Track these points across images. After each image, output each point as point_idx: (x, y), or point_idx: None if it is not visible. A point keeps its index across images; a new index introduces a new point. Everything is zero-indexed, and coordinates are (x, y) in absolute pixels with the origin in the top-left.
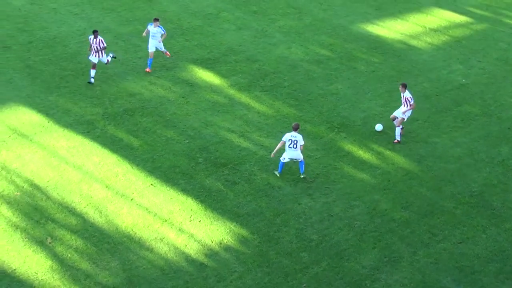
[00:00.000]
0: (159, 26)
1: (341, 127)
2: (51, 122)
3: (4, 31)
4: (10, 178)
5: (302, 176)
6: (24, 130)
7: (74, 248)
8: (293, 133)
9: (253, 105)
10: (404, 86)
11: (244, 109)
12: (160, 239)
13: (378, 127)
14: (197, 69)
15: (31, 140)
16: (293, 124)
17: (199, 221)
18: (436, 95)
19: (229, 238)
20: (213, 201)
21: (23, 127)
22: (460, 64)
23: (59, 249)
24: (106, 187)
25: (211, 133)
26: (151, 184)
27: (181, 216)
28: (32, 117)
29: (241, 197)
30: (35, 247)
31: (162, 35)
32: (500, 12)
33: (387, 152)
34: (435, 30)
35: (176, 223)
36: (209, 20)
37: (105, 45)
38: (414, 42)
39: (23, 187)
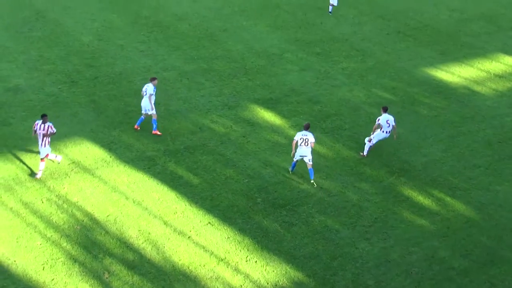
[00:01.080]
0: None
1: (401, 171)
2: (113, 157)
3: (72, 66)
4: (71, 211)
5: (312, 181)
6: (87, 164)
7: (130, 284)
8: (304, 132)
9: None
10: (384, 109)
11: None
12: (216, 278)
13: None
14: (258, 109)
15: (93, 174)
16: (304, 123)
17: (255, 262)
18: (499, 142)
19: (284, 280)
20: (270, 242)
21: (86, 161)
22: None
23: (116, 284)
24: (164, 223)
25: (270, 173)
26: (209, 223)
27: (237, 256)
28: (95, 152)
29: (298, 239)
30: (92, 281)
31: (151, 95)
32: None
33: (448, 199)
34: (500, 76)
35: (232, 263)
36: (272, 60)
37: (54, 130)
38: (478, 88)
39: (83, 220)
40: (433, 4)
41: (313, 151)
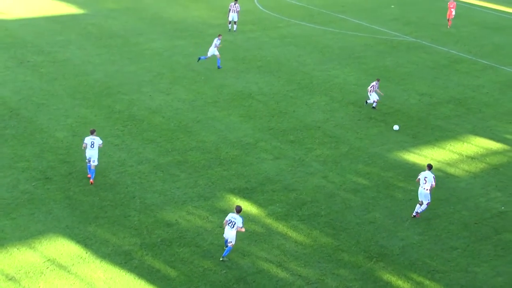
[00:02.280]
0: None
1: (379, 256)
2: (89, 252)
3: (46, 162)
4: None
5: (221, 259)
6: (62, 261)
7: None
8: (234, 214)
9: (290, 234)
10: (428, 167)
11: (282, 238)
12: None
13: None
14: (234, 199)
15: (69, 271)
16: (236, 206)
17: None
18: (475, 223)
19: None
20: None
21: (61, 258)
22: (498, 191)
23: None
24: None
25: (249, 263)
26: None
27: None
28: (71, 248)
29: None
30: None
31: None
32: None
33: (427, 282)
34: (472, 158)
35: None
36: (246, 150)
37: None
38: (451, 170)
39: None
40: (403, 89)
41: (292, 240)
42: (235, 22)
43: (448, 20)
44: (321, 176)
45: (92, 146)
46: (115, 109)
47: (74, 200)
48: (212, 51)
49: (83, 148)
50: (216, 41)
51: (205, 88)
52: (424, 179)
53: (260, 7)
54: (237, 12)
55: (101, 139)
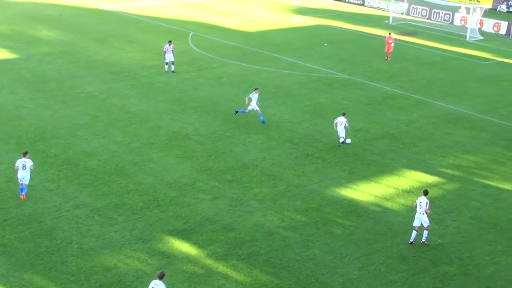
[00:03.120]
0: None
1: None
2: None
3: None
4: None
5: None
6: None
7: None
8: (157, 281)
9: (230, 274)
10: (424, 193)
11: (222, 279)
12: None
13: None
14: (173, 240)
15: None
16: (159, 272)
17: None
18: (413, 256)
19: None
20: None
21: None
22: (435, 224)
23: None
24: None
25: None
26: None
27: None
28: None
29: None
30: None
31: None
32: (471, 171)
33: None
34: (408, 192)
35: None
36: (184, 190)
37: None
38: (388, 204)
39: None
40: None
41: (232, 280)
42: (172, 63)
43: (386, 53)
44: (260, 214)
45: (24, 168)
46: (50, 153)
47: (9, 247)
48: (253, 105)
49: (15, 169)
50: (254, 95)
51: (141, 130)
52: (419, 204)
53: (195, 48)
54: (172, 52)
55: (32, 161)
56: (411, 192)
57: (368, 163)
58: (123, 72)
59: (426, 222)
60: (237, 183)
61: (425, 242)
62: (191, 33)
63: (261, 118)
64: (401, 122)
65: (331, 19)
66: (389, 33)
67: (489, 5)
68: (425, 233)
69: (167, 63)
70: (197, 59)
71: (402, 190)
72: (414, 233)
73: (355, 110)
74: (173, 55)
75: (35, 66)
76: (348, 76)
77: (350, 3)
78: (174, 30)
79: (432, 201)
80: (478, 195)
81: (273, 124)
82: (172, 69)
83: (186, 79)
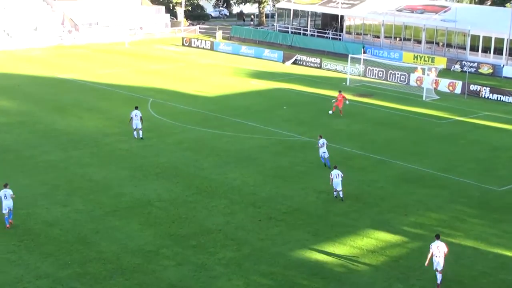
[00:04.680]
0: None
1: None
2: None
3: None
4: None
5: None
6: None
7: None
8: None
9: None
10: (437, 237)
11: None
12: None
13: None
14: None
15: None
16: None
17: None
18: None
19: None
20: None
21: None
22: (400, 283)
23: None
24: None
25: None
26: None
27: None
28: None
29: None
30: None
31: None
32: (433, 229)
33: None
34: (372, 252)
35: None
36: (148, 257)
37: None
38: (353, 265)
39: None
40: (301, 188)
41: None
42: (140, 129)
43: (339, 110)
44: (225, 279)
45: (6, 197)
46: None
47: None
48: (323, 150)
49: None
50: (320, 143)
51: (103, 197)
52: (437, 248)
53: (154, 114)
54: (140, 118)
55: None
56: (376, 252)
57: (332, 224)
58: (83, 140)
59: (440, 266)
60: (201, 248)
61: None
62: (151, 100)
63: (328, 163)
64: (363, 183)
65: (289, 82)
66: (339, 91)
67: (443, 65)
68: (439, 276)
69: (135, 129)
70: (158, 125)
71: (366, 250)
72: (439, 276)
73: (316, 172)
74: (141, 122)
75: None
76: (308, 139)
77: (307, 66)
78: (133, 97)
79: (396, 261)
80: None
81: (235, 188)
82: (141, 135)
83: (147, 146)
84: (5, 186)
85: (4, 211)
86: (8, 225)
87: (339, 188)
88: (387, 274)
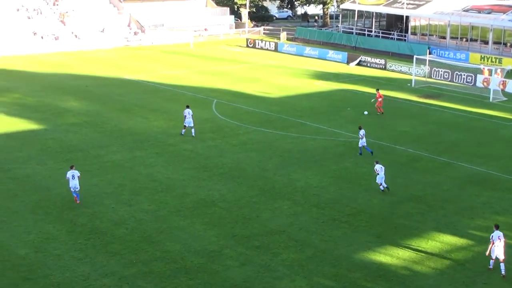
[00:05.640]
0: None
1: None
2: None
3: (7, 280)
4: None
5: None
6: None
7: None
8: None
9: None
10: (496, 227)
11: None
12: None
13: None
14: None
15: None
16: None
17: None
18: None
19: None
20: None
21: None
22: (465, 287)
23: None
24: None
25: None
26: None
27: None
28: None
29: None
30: None
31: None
32: None
33: None
34: (437, 255)
35: None
36: (212, 257)
37: None
38: (418, 268)
39: None
40: (365, 189)
41: None
42: (192, 127)
43: (378, 108)
44: (288, 280)
45: (73, 178)
46: (77, 222)
47: None
48: (362, 142)
49: (67, 180)
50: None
51: (167, 197)
52: (498, 238)
53: (219, 115)
54: (191, 116)
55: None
56: (441, 255)
57: (396, 226)
58: (148, 140)
59: (502, 255)
60: (265, 249)
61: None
62: (215, 101)
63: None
64: (428, 185)
65: (354, 83)
66: (377, 89)
67: (511, 66)
68: (503, 266)
69: (185, 128)
70: (222, 126)
71: (431, 253)
72: (502, 265)
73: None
74: (193, 120)
75: (62, 137)
76: (372, 140)
77: (372, 67)
78: (198, 98)
79: (462, 264)
80: (509, 257)
81: (298, 189)
82: (192, 134)
83: (212, 146)
84: (71, 167)
85: (72, 190)
86: (78, 201)
87: (383, 181)
88: (453, 278)
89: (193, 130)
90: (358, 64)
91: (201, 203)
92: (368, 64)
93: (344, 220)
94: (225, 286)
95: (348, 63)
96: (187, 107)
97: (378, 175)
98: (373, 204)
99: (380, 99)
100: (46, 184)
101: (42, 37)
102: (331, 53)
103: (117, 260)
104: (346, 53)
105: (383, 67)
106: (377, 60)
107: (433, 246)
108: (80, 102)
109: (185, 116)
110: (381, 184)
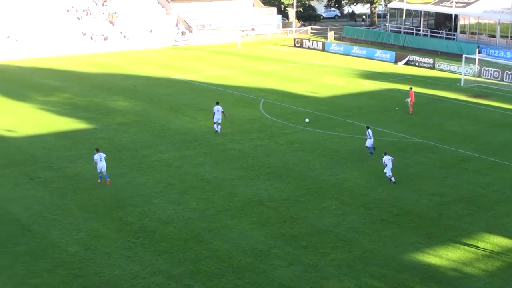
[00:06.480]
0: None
1: None
2: None
3: (59, 277)
4: None
5: None
6: None
7: None
8: None
9: None
10: None
11: None
12: None
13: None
14: None
15: None
16: None
17: None
18: None
19: None
20: None
21: None
22: None
23: None
24: None
25: None
26: None
27: None
28: None
29: None
30: None
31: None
32: None
33: None
34: (487, 256)
35: None
36: (259, 257)
37: None
38: (468, 270)
39: None
40: (413, 190)
41: None
42: (219, 124)
43: (410, 107)
44: (336, 280)
45: (101, 159)
46: (126, 221)
47: None
48: (370, 142)
49: (94, 164)
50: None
51: (215, 197)
52: None
53: (266, 115)
54: (222, 113)
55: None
56: (491, 257)
57: (445, 227)
58: (196, 139)
59: None
60: (312, 248)
61: None
62: (262, 100)
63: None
64: (477, 185)
65: (401, 83)
66: (410, 88)
67: None
68: None
69: (215, 123)
70: (269, 125)
71: (481, 254)
72: None
73: (429, 173)
74: (223, 116)
75: (111, 136)
76: (420, 140)
77: (420, 66)
78: (245, 98)
79: None
80: None
81: (346, 189)
82: (218, 130)
83: (259, 146)
84: (97, 150)
85: (98, 171)
86: (101, 181)
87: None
88: (504, 281)
89: (219, 127)
90: (406, 63)
91: (249, 202)
92: (416, 64)
93: (392, 221)
94: (273, 285)
95: (396, 62)
96: (217, 103)
97: (386, 166)
98: (421, 205)
99: (410, 99)
100: (95, 183)
101: (91, 38)
102: (378, 53)
103: (165, 258)
104: (394, 52)
105: (432, 66)
106: (426, 60)
107: (483, 248)
108: (128, 101)
109: (214, 112)
110: (391, 176)
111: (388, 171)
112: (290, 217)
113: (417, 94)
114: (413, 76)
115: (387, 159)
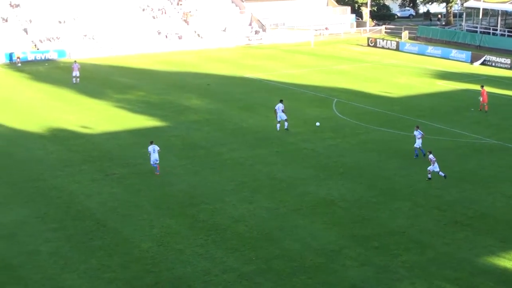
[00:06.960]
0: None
1: None
2: None
3: (132, 273)
4: None
5: None
6: None
7: None
8: None
9: None
10: None
11: None
12: None
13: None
14: None
15: None
16: None
17: None
18: None
19: None
20: None
21: None
22: None
23: None
24: None
25: None
26: None
27: None
28: None
29: None
30: None
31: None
32: None
33: None
34: None
35: None
36: (331, 257)
37: None
38: None
39: None
40: (488, 192)
41: None
42: (285, 120)
43: (483, 105)
44: (408, 282)
45: (154, 151)
46: (198, 218)
47: None
48: (418, 143)
49: (149, 155)
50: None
51: (287, 196)
52: None
53: (339, 114)
54: (282, 111)
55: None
56: None
57: None
58: (269, 138)
59: None
60: (384, 250)
61: None
62: (335, 100)
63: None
64: None
65: (478, 83)
66: (482, 86)
67: None
68: None
69: (279, 122)
70: (342, 125)
71: None
72: None
73: (505, 176)
74: (285, 114)
75: (184, 134)
76: (496, 142)
77: (497, 67)
78: (318, 97)
79: None
80: None
81: (419, 190)
82: (286, 127)
83: (332, 145)
84: (151, 142)
85: (152, 162)
86: (157, 173)
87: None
88: None
89: (286, 123)
90: (483, 63)
91: (321, 202)
92: (493, 64)
93: (466, 223)
94: (344, 286)
95: (472, 62)
96: (281, 101)
97: (433, 165)
98: (496, 207)
99: (485, 95)
100: (168, 180)
101: (166, 36)
102: (454, 52)
103: (236, 256)
104: (470, 52)
105: (509, 66)
106: (503, 60)
107: None
108: (201, 100)
109: (276, 111)
110: (438, 171)
111: (435, 168)
112: (361, 217)
113: (494, 95)
114: (490, 77)
115: (432, 157)
